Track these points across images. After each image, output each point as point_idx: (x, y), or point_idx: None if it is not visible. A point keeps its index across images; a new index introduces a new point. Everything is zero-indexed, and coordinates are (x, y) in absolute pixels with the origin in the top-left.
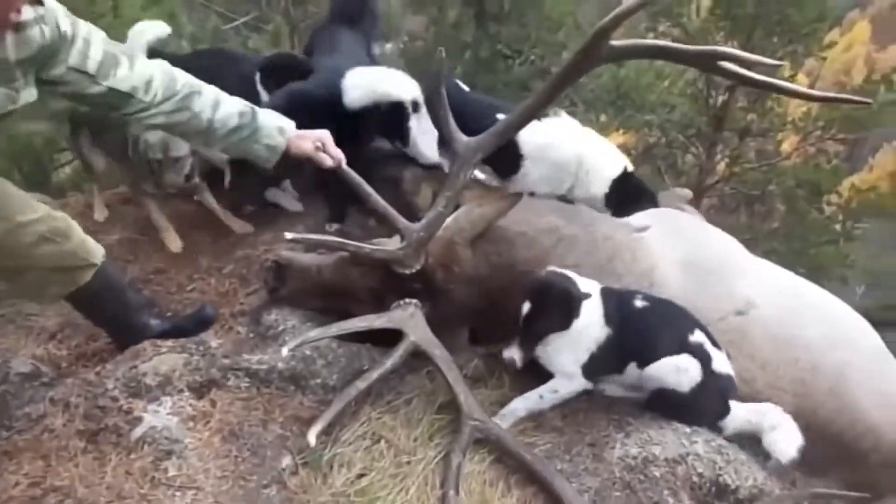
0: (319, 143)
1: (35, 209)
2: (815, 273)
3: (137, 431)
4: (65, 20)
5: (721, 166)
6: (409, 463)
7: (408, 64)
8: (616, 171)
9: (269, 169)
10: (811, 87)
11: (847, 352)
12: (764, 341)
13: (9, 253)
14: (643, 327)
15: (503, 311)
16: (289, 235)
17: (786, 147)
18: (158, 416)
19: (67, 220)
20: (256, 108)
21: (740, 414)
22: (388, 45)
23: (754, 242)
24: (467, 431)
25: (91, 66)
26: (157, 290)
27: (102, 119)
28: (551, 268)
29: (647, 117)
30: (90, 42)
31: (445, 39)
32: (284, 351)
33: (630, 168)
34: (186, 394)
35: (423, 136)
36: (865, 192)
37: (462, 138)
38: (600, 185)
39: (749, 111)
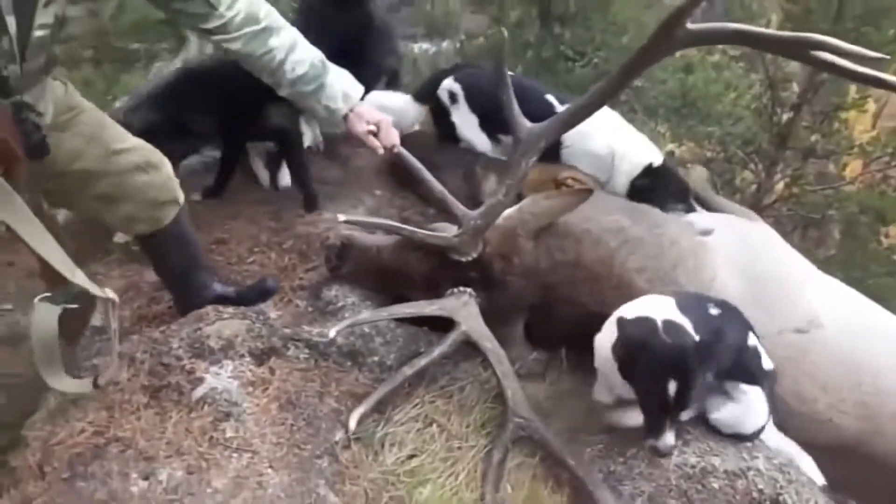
0: (374, 127)
1: (129, 139)
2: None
3: (199, 391)
4: None
5: (780, 186)
6: (459, 448)
7: (466, 59)
8: (639, 166)
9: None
10: (880, 112)
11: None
12: (826, 361)
13: (105, 180)
14: None
15: (560, 308)
16: (342, 217)
17: (849, 172)
18: (219, 379)
19: (157, 153)
20: (331, 65)
21: (772, 437)
22: (445, 43)
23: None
24: (511, 428)
25: None
26: (217, 261)
27: None
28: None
29: (710, 129)
30: None
31: (510, 38)
32: (332, 333)
33: (657, 162)
34: (247, 359)
35: (466, 125)
36: None
37: (526, 124)
38: (622, 182)
39: (814, 131)
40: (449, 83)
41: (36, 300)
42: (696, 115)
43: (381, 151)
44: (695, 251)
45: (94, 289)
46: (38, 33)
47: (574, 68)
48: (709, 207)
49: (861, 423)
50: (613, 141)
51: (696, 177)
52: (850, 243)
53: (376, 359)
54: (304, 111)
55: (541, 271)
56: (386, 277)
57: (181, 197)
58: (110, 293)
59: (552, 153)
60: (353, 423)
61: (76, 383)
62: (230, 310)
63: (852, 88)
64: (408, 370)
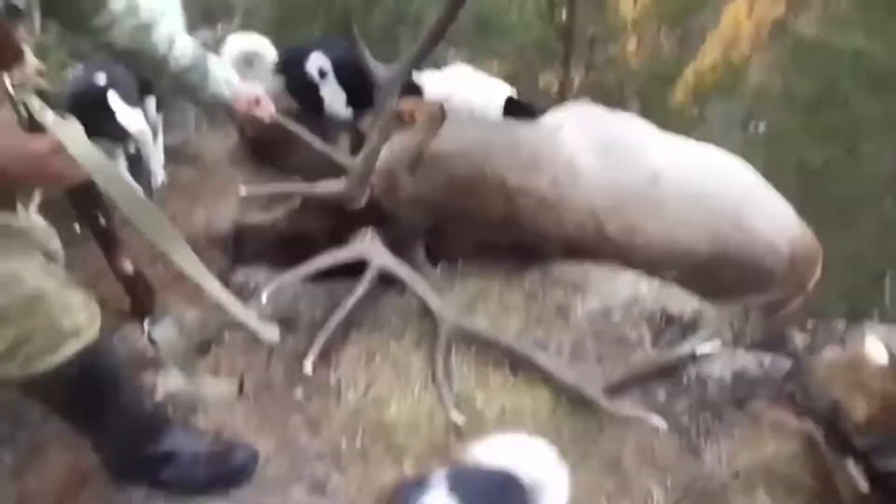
0: (254, 99)
1: None
2: None
3: (158, 397)
4: None
5: (577, 79)
6: (407, 367)
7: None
8: (502, 101)
9: None
10: None
11: (739, 191)
12: (675, 202)
13: None
14: None
15: (450, 224)
16: (243, 191)
17: (630, 49)
18: (173, 380)
19: None
20: (206, 52)
21: None
22: (221, 25)
23: None
24: (444, 332)
25: None
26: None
27: None
28: None
29: (504, 44)
30: None
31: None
32: (263, 297)
33: (514, 95)
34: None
35: (336, 100)
36: (705, 74)
37: (381, 71)
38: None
39: (590, 21)
40: (317, 57)
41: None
42: (492, 31)
43: (268, 120)
44: (549, 142)
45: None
46: None
47: (370, 18)
48: None
49: (712, 244)
50: (468, 94)
51: None
52: (648, 108)
53: (306, 319)
54: (184, 98)
55: (424, 197)
56: (290, 246)
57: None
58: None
59: None
60: (308, 369)
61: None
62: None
63: None
64: (340, 312)
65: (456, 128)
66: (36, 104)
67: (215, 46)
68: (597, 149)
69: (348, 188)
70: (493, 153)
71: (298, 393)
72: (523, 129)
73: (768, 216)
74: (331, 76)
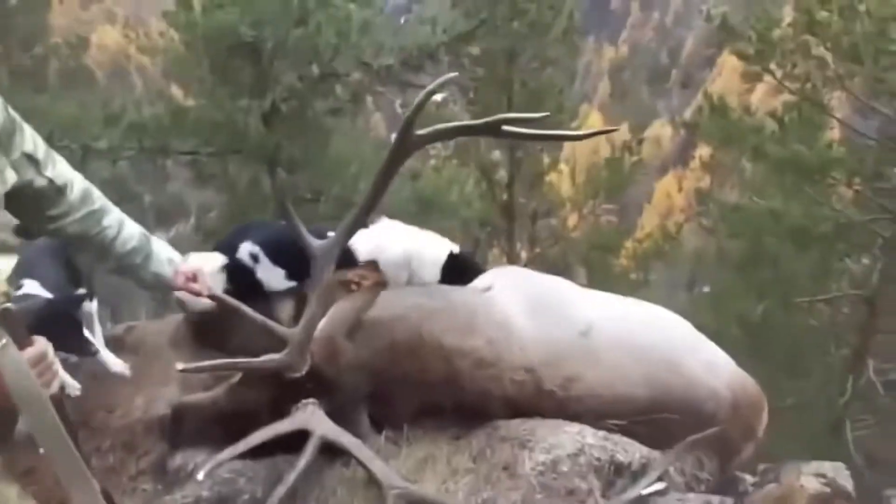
0: (191, 275)
1: None
2: None
3: None
4: (5, 104)
5: (524, 253)
6: None
7: (206, 236)
8: (443, 256)
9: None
10: (573, 170)
11: (673, 339)
12: (609, 350)
13: None
14: None
15: (393, 387)
16: (180, 366)
17: (571, 223)
18: None
19: None
20: (149, 234)
21: None
22: (178, 227)
23: None
24: (391, 501)
25: (40, 154)
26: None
27: None
28: None
29: (448, 222)
30: (30, 130)
31: (244, 197)
32: (200, 475)
33: (455, 250)
34: None
35: (274, 279)
36: (646, 240)
37: (316, 242)
38: (433, 272)
39: (530, 198)
40: (248, 246)
41: None
42: (434, 210)
43: (204, 293)
44: (483, 303)
45: None
46: None
47: (317, 207)
48: None
49: (651, 390)
50: (407, 245)
51: None
52: (594, 276)
53: (246, 497)
54: (126, 277)
55: (365, 362)
56: (231, 423)
57: None
58: None
59: None
60: None
61: None
62: None
63: (544, 159)
64: (282, 488)
65: (393, 294)
66: None
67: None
68: (528, 307)
69: (289, 359)
70: (430, 317)
71: None
72: (457, 293)
73: (705, 362)
74: (263, 259)
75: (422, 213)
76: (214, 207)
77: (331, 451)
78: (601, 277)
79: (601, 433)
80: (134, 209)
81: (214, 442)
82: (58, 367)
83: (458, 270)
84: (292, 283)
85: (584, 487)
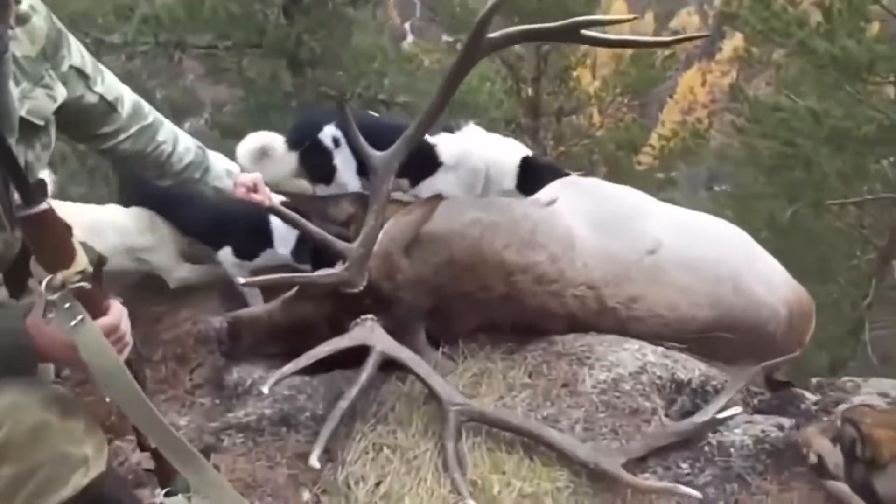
0: (252, 185)
1: None
2: None
3: None
4: (50, 14)
5: (548, 151)
6: (416, 457)
7: (223, 132)
8: (517, 161)
9: None
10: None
11: (736, 256)
12: (676, 269)
13: None
14: None
15: (452, 304)
16: (242, 280)
17: (595, 120)
18: (170, 498)
19: None
20: (204, 147)
21: None
22: (190, 121)
23: None
24: (452, 417)
25: (88, 68)
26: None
27: None
28: None
29: (475, 120)
30: (76, 41)
31: (263, 94)
32: (265, 388)
33: (528, 154)
34: None
35: (347, 169)
36: (673, 138)
37: (376, 154)
38: (510, 178)
39: (557, 94)
40: (331, 129)
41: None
42: (466, 111)
43: (267, 203)
44: (545, 217)
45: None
46: None
47: (341, 104)
48: None
49: (715, 309)
50: (486, 151)
51: None
52: (616, 174)
53: (307, 414)
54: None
55: (423, 279)
56: (288, 337)
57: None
58: None
59: (429, 170)
60: (315, 463)
61: None
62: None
63: (574, 51)
64: (343, 403)
65: (452, 207)
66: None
67: None
68: (593, 222)
69: (347, 274)
70: (490, 232)
71: (305, 495)
72: (519, 206)
73: (766, 279)
74: (344, 145)
75: (450, 114)
76: (229, 103)
77: (388, 367)
78: (624, 176)
79: (660, 350)
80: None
81: (271, 356)
82: (129, 334)
83: (533, 175)
84: (358, 183)
85: (647, 406)
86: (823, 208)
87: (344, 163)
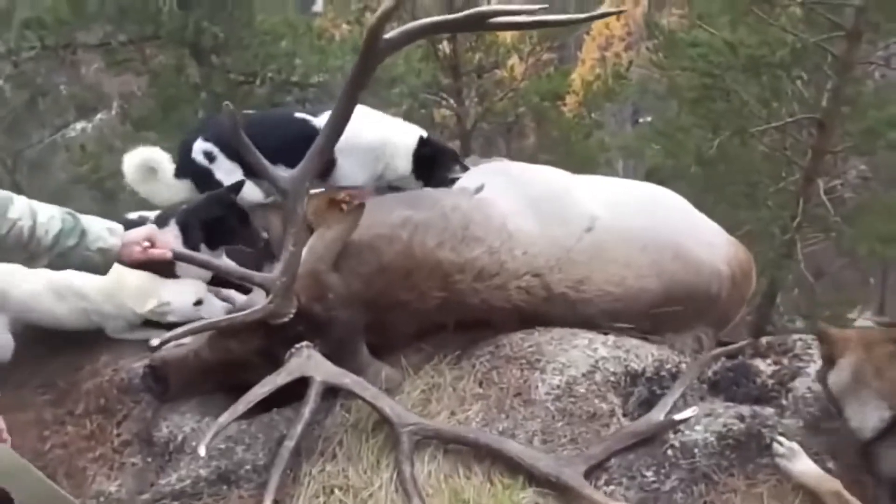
0: (147, 243)
1: None
2: (586, 164)
3: None
4: None
5: (473, 109)
6: (370, 496)
7: (135, 125)
8: (413, 142)
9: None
10: None
11: (672, 221)
12: (616, 244)
13: None
14: None
15: (390, 316)
16: (155, 341)
17: (517, 73)
18: None
19: None
20: (74, 211)
21: None
22: (99, 117)
23: (533, 161)
24: (405, 438)
25: None
26: None
27: None
28: None
29: (395, 90)
30: None
31: (169, 86)
32: (201, 450)
33: (424, 135)
34: None
35: (232, 177)
36: (596, 81)
37: (284, 174)
38: (406, 160)
39: (475, 50)
40: (200, 145)
41: None
42: (382, 83)
43: (168, 256)
44: (477, 207)
45: None
46: None
47: (252, 90)
48: None
49: (661, 279)
50: (380, 132)
51: None
52: (544, 128)
53: (248, 467)
54: (70, 268)
55: (356, 293)
56: (217, 374)
57: None
58: None
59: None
60: None
61: None
62: None
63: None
64: (289, 443)
65: (375, 208)
66: None
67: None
68: (526, 205)
69: (273, 306)
70: (420, 231)
71: None
72: (447, 198)
73: (705, 241)
74: (219, 156)
75: (369, 90)
76: (138, 93)
77: (329, 393)
78: (553, 125)
79: (611, 340)
80: (48, 103)
81: (203, 393)
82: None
83: (430, 155)
84: (252, 186)
85: (604, 409)
86: (747, 135)
87: (226, 174)
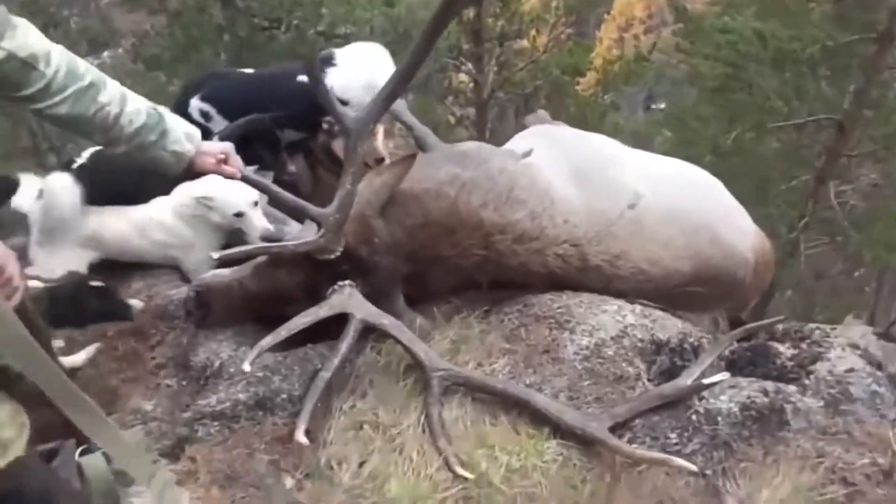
0: (223, 156)
1: None
2: None
3: None
4: None
5: (491, 77)
6: (398, 434)
7: (147, 64)
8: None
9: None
10: None
11: (710, 204)
12: (657, 223)
13: None
14: None
15: (429, 268)
16: (215, 254)
17: (539, 44)
18: (144, 496)
19: None
20: (162, 108)
21: None
22: (107, 53)
23: None
24: (436, 383)
25: None
26: None
27: None
28: None
29: None
30: None
31: (190, 26)
32: (246, 366)
33: None
34: (163, 462)
35: None
36: (616, 62)
37: (350, 115)
38: None
39: (498, 17)
40: (197, 104)
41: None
42: (410, 39)
43: (239, 176)
44: (523, 172)
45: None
46: None
47: (275, 36)
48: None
49: (695, 261)
50: (370, 66)
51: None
52: (559, 102)
53: (284, 396)
54: (143, 162)
55: (399, 242)
56: (260, 304)
57: None
58: None
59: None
60: (302, 438)
61: None
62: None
63: None
64: (325, 374)
65: (425, 163)
66: None
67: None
68: (572, 173)
69: (324, 241)
70: (468, 189)
71: (288, 482)
72: (495, 159)
73: (737, 227)
74: (215, 116)
75: (397, 42)
76: (151, 32)
77: (364, 335)
78: (568, 101)
79: (638, 309)
80: (59, 35)
81: (243, 321)
82: (18, 279)
83: None
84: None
85: (631, 372)
86: (765, 130)
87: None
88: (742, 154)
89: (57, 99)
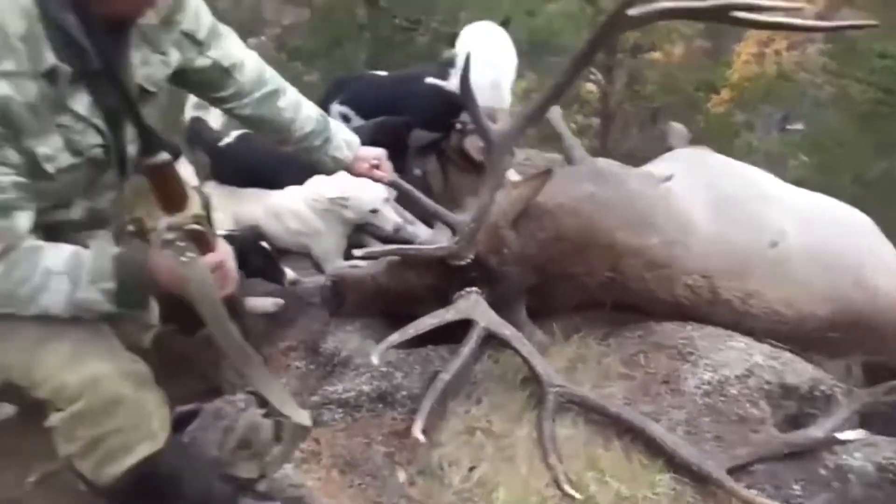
0: (376, 161)
1: None
2: None
3: (261, 485)
4: None
5: (620, 87)
6: (510, 445)
7: (290, 55)
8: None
9: None
10: None
11: (860, 245)
12: (799, 263)
13: None
14: None
15: (556, 284)
16: (357, 252)
17: (675, 57)
18: None
19: None
20: (326, 115)
21: None
22: (254, 41)
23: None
24: (551, 398)
25: (202, 33)
26: None
27: None
28: None
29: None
30: (200, 5)
31: (336, 24)
32: (375, 359)
33: None
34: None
35: None
36: (757, 79)
37: (495, 128)
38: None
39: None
40: (337, 108)
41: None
42: (549, 51)
43: (387, 182)
44: (661, 196)
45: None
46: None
47: (413, 37)
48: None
49: (833, 304)
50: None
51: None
52: (688, 119)
53: (405, 393)
54: (306, 160)
55: (529, 255)
56: (389, 300)
57: None
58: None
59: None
60: (419, 435)
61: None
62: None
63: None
64: (445, 376)
65: (563, 178)
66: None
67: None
68: (713, 203)
69: (457, 247)
70: (603, 209)
71: (402, 476)
72: (634, 181)
73: (886, 269)
74: (354, 119)
75: (533, 53)
76: (295, 24)
77: (484, 343)
78: (699, 117)
79: (767, 349)
80: None
81: (372, 315)
82: (234, 271)
83: None
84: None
85: (756, 414)
86: None
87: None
88: (891, 186)
89: (244, 101)
